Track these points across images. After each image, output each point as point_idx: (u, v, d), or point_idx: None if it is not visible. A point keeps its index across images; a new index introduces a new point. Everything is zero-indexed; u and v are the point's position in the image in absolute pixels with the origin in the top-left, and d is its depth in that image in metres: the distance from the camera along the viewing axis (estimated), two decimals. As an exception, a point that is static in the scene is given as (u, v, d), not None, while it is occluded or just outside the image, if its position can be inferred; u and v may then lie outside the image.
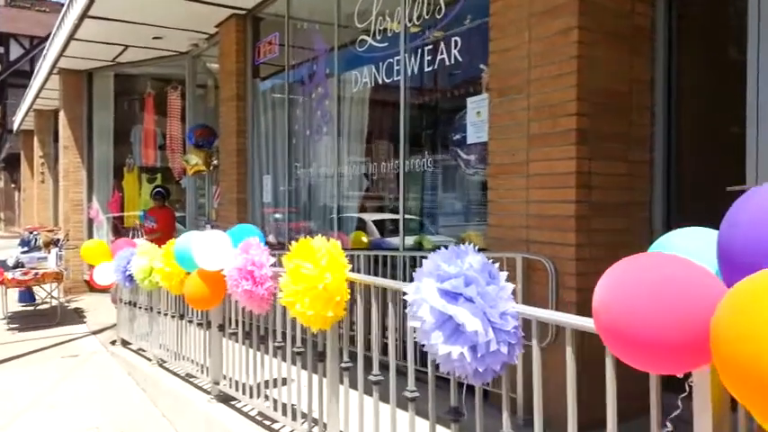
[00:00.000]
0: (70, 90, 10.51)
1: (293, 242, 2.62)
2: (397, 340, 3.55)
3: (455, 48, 4.08)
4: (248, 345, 3.61)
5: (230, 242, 3.64)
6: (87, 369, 5.90)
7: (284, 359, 3.18)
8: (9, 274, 7.40)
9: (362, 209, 5.49)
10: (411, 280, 1.85)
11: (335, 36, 5.47)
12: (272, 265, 3.17)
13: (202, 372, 4.33)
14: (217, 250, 3.58)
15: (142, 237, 8.61)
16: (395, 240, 5.55)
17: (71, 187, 10.48)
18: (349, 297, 2.47)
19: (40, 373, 5.73)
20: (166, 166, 9.71)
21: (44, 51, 10.65)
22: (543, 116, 3.17)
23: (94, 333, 7.44)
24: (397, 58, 4.60)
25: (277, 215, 6.94)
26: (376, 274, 4.38)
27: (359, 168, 5.29)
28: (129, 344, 6.28)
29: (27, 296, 8.94)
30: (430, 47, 4.29)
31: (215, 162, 7.88)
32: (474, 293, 1.68)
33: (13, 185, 27.84)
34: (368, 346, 2.51)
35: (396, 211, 5.11)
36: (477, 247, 1.80)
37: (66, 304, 9.15)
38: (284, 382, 3.23)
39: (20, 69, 22.69)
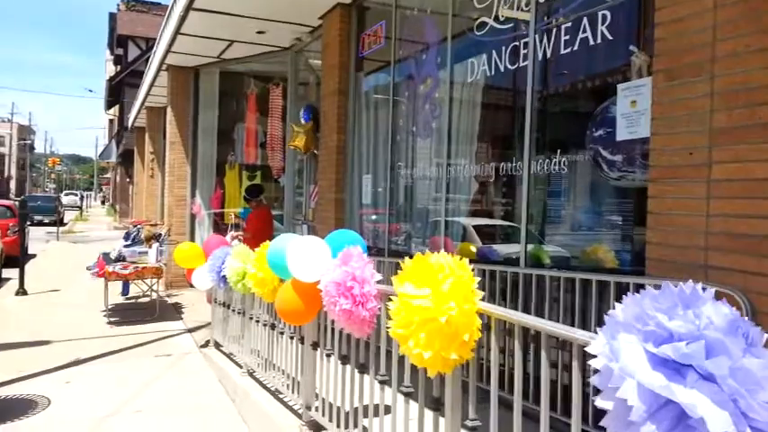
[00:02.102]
0: (177, 87, 10.65)
1: (391, 247, 2.05)
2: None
3: (603, 23, 3.36)
4: (346, 368, 3.09)
5: (329, 250, 3.15)
6: (178, 371, 5.68)
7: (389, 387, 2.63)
8: (110, 268, 7.44)
9: (474, 214, 4.86)
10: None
11: (449, 22, 4.88)
12: (378, 282, 2.64)
13: (293, 389, 3.89)
14: (314, 259, 3.10)
15: (231, 233, 8.44)
16: (504, 249, 4.89)
17: (176, 182, 10.61)
18: (480, 335, 1.87)
19: (131, 372, 5.58)
20: (266, 164, 9.53)
21: (154, 48, 10.86)
22: (735, 104, 2.41)
23: (190, 331, 7.31)
24: (525, 40, 3.94)
25: (375, 217, 6.46)
26: (490, 295, 3.75)
27: (471, 169, 4.66)
28: (222, 346, 6.04)
29: (125, 289, 9.06)
30: (569, 24, 3.59)
31: (315, 151, 7.45)
32: (720, 369, 1.03)
33: (127, 180, 29.58)
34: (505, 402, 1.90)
35: (510, 217, 4.45)
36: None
37: (166, 298, 9.19)
38: (388, 410, 2.69)
39: (136, 70, 23.90)
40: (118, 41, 29.39)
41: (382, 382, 2.57)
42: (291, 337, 3.90)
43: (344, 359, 3.04)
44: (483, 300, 1.93)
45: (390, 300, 2.07)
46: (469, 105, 4.68)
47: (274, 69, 9.55)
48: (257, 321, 4.73)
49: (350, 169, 6.75)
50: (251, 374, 4.90)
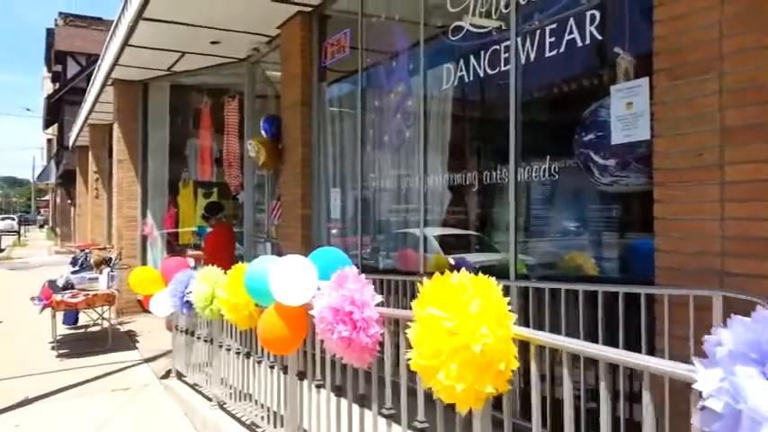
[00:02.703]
0: (125, 102, 10.14)
1: (363, 262, 1.82)
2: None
3: (591, 24, 3.25)
4: (341, 400, 2.83)
5: (315, 270, 2.90)
6: (139, 406, 5.26)
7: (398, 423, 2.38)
8: (58, 296, 6.90)
9: (454, 225, 4.68)
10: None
11: (420, 28, 4.72)
12: (377, 305, 2.40)
13: (274, 423, 3.59)
14: (300, 281, 2.84)
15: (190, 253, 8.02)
16: (474, 258, 4.74)
17: (125, 202, 10.07)
18: (518, 364, 1.66)
19: (88, 410, 5.12)
20: (223, 180, 9.15)
21: (98, 62, 10.33)
22: (748, 101, 2.31)
23: (147, 361, 6.85)
24: (506, 44, 3.80)
25: (345, 232, 6.21)
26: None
27: (450, 179, 4.49)
28: (185, 376, 5.65)
29: (71, 318, 8.45)
30: (553, 26, 3.47)
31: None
32: None
33: (69, 201, 28.28)
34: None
35: (495, 227, 4.28)
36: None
37: (118, 326, 8.64)
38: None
39: (76, 87, 22.89)
40: (56, 57, 28.14)
41: (389, 416, 2.32)
42: (272, 367, 3.60)
43: (339, 390, 2.78)
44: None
45: (408, 326, 1.84)
46: (446, 113, 4.52)
47: (229, 81, 9.20)
48: (228, 349, 4.40)
49: (315, 183, 6.50)
50: (221, 407, 4.56)
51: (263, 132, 6.95)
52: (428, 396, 2.15)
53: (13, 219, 49.23)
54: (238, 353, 4.17)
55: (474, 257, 4.74)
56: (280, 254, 7.62)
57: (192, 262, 7.56)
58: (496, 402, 1.84)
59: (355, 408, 2.63)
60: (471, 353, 1.63)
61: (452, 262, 5.03)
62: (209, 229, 8.28)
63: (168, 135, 10.31)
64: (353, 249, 5.67)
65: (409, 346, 1.85)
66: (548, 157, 3.55)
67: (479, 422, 1.77)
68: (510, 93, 3.72)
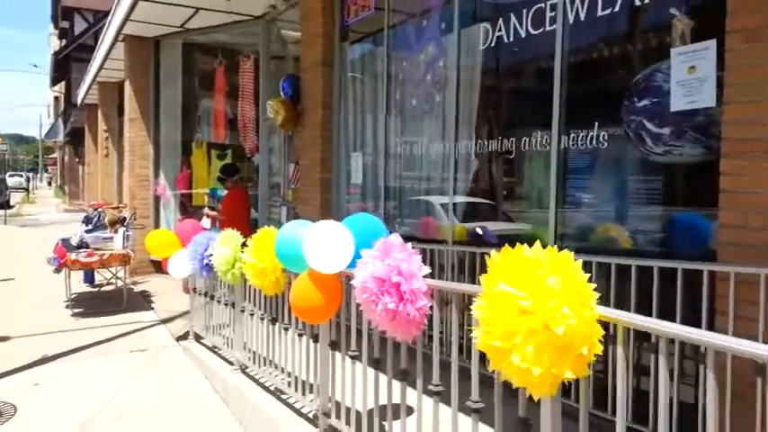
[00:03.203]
0: (136, 59, 9.89)
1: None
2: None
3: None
4: (379, 374, 2.72)
5: (351, 238, 2.77)
6: (159, 368, 5.22)
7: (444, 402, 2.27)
8: (72, 256, 6.82)
9: (486, 194, 4.53)
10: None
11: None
12: (425, 276, 2.27)
13: (302, 390, 3.51)
14: (337, 247, 2.71)
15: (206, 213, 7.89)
16: (503, 227, 4.59)
17: (137, 162, 9.92)
18: (602, 348, 1.52)
19: (107, 370, 5.08)
20: (237, 142, 8.96)
21: (109, 17, 10.05)
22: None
23: (163, 322, 6.81)
24: (552, 2, 3.58)
25: (366, 198, 6.07)
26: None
27: (483, 145, 4.30)
28: (203, 338, 5.59)
29: (89, 276, 8.43)
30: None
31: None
32: None
33: (77, 159, 28.16)
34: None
35: (534, 197, 4.10)
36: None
37: (132, 287, 8.61)
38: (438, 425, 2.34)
39: (84, 44, 22.53)
40: (63, 14, 27.68)
41: (437, 393, 2.21)
42: (300, 335, 3.50)
43: (377, 364, 2.67)
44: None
45: (471, 301, 1.71)
46: (481, 76, 4.31)
47: (243, 41, 8.94)
48: (251, 314, 4.30)
49: (335, 147, 6.32)
50: (243, 371, 4.49)
51: (281, 93, 6.74)
52: (482, 376, 2.04)
53: (22, 176, 49.33)
54: (263, 318, 4.07)
55: (502, 227, 4.60)
56: (296, 218, 7.50)
57: (207, 223, 7.46)
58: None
59: (396, 383, 2.52)
60: (550, 334, 1.50)
61: (480, 231, 4.91)
62: (223, 191, 8.17)
63: (181, 95, 10.09)
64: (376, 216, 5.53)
65: (465, 323, 1.72)
66: (595, 123, 3.36)
67: (549, 407, 1.65)
68: (555, 55, 3.51)
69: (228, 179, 7.31)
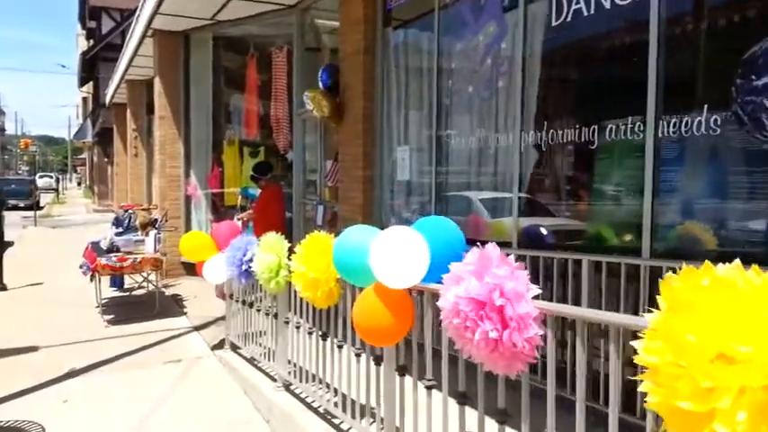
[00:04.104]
0: (165, 54, 9.58)
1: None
2: None
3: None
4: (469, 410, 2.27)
5: (427, 247, 2.32)
6: (194, 381, 4.85)
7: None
8: (103, 260, 6.50)
9: (560, 190, 4.05)
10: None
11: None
12: (535, 297, 1.82)
13: (359, 415, 3.09)
14: (412, 259, 2.27)
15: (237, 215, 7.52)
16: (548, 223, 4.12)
17: (167, 161, 9.61)
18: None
19: (140, 385, 4.73)
20: (269, 138, 8.58)
21: (137, 11, 9.75)
22: None
23: (197, 329, 6.46)
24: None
25: (413, 196, 5.63)
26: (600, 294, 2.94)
27: (557, 135, 3.82)
28: (240, 348, 5.23)
29: (118, 280, 8.14)
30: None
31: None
32: None
33: (105, 160, 28.25)
34: None
35: (625, 193, 3.60)
36: None
37: (164, 289, 8.30)
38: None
39: (112, 43, 22.52)
40: (90, 13, 27.79)
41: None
42: (358, 354, 3.07)
43: (463, 398, 2.22)
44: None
45: (605, 333, 1.25)
46: (553, 56, 3.82)
47: (275, 32, 8.56)
48: (297, 327, 3.89)
49: (378, 141, 5.89)
50: (287, 388, 4.10)
51: (319, 83, 6.32)
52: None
53: (51, 177, 49.97)
54: (311, 332, 3.66)
55: (574, 226, 4.12)
56: (333, 218, 7.10)
57: (240, 225, 7.10)
58: None
59: (490, 423, 2.07)
60: (776, 397, 1.03)
61: (544, 231, 4.43)
62: (255, 190, 7.80)
63: (211, 90, 9.75)
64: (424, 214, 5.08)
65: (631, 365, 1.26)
66: (704, 106, 2.86)
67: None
68: (650, 28, 3.02)
69: (262, 178, 6.93)
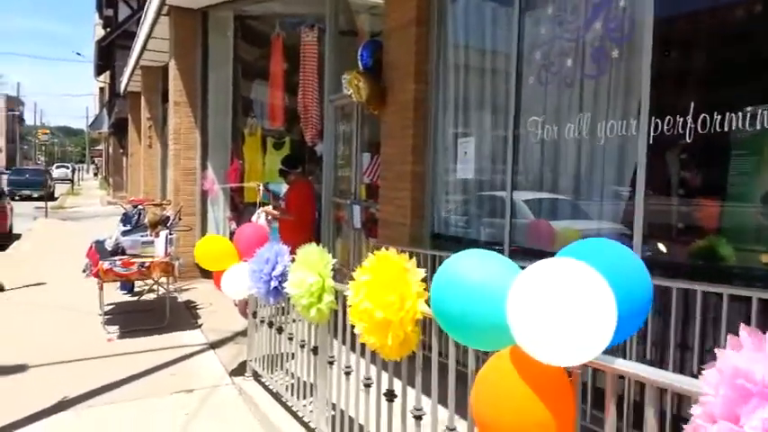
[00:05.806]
0: (182, 34, 8.69)
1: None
2: None
3: None
4: None
5: (612, 298, 1.37)
6: (207, 420, 3.95)
7: None
8: (106, 264, 5.60)
9: (695, 192, 3.07)
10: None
11: None
12: None
13: None
14: (595, 317, 1.31)
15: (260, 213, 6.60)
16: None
17: (182, 152, 8.73)
18: None
19: (143, 420, 3.85)
20: (297, 128, 7.66)
21: (153, -12, 8.87)
22: None
23: (213, 347, 5.56)
24: None
25: (479, 199, 4.67)
26: None
27: (686, 123, 2.84)
28: (262, 377, 4.34)
29: (128, 285, 7.28)
30: None
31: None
32: None
33: (121, 151, 27.63)
34: None
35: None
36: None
37: (176, 294, 7.43)
38: None
39: (128, 30, 21.75)
40: (107, 1, 27.09)
41: None
42: (452, 430, 2.12)
43: None
44: None
45: None
46: (688, 23, 2.84)
47: (303, 11, 7.64)
48: (347, 372, 2.94)
49: (431, 131, 4.94)
50: (329, 444, 3.17)
51: (359, 63, 5.38)
52: None
53: (68, 167, 49.79)
54: (368, 385, 2.71)
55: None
56: (370, 220, 6.17)
57: (262, 220, 6.17)
58: None
59: None
60: None
61: (664, 250, 3.45)
62: (279, 186, 6.92)
63: (231, 75, 8.83)
64: (501, 224, 4.12)
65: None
66: None
67: None
68: None
69: (292, 172, 6.02)
